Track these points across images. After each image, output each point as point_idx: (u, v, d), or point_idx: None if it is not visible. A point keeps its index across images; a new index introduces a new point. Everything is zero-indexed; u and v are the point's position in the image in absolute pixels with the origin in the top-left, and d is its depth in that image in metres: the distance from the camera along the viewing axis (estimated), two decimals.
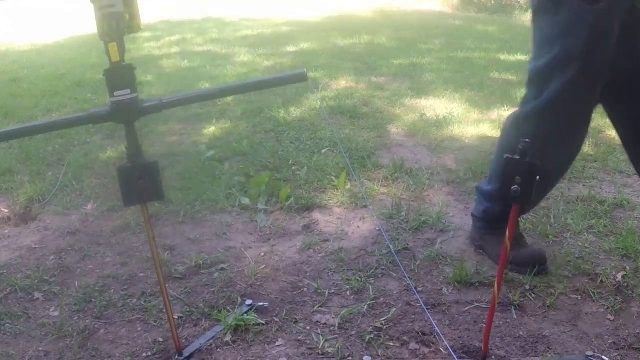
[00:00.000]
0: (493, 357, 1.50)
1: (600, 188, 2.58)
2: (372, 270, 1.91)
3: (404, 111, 3.82)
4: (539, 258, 1.87)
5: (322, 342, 1.55)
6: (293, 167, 2.80)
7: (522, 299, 1.74)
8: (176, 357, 1.49)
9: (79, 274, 1.94)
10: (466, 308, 1.71)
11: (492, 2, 11.67)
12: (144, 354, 1.53)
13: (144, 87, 4.30)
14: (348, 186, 2.56)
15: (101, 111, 1.30)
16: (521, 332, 1.60)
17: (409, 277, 1.86)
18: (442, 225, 2.21)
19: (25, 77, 5.04)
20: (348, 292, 1.80)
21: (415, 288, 1.81)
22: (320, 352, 1.51)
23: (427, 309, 1.70)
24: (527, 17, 10.32)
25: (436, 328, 1.60)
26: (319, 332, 1.60)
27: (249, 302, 1.72)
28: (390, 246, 2.04)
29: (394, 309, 1.70)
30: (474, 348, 1.53)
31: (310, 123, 3.52)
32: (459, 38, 7.28)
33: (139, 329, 1.64)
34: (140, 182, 1.30)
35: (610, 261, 1.96)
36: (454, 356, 1.48)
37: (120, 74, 1.26)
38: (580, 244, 2.08)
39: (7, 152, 3.12)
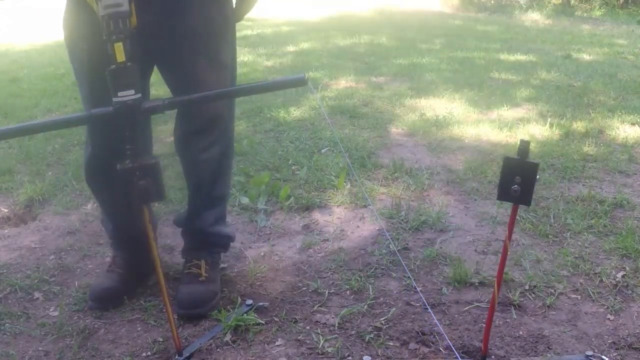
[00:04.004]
0: (493, 357, 1.50)
1: (600, 188, 2.58)
2: (372, 270, 1.91)
3: (404, 111, 3.82)
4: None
5: (322, 342, 1.55)
6: (293, 167, 2.80)
7: (522, 299, 1.74)
8: (176, 357, 1.48)
9: (79, 274, 1.94)
10: (466, 308, 1.71)
11: (492, 2, 11.69)
12: (144, 354, 1.53)
13: None
14: (348, 186, 2.56)
15: (104, 111, 1.29)
16: (521, 332, 1.60)
17: (410, 277, 1.86)
18: (442, 225, 2.21)
19: (25, 77, 5.04)
20: (348, 292, 1.80)
21: (416, 288, 1.81)
22: (320, 352, 1.51)
23: (427, 309, 1.70)
24: (527, 17, 10.33)
25: (440, 328, 1.60)
26: (319, 332, 1.60)
27: (249, 302, 1.71)
28: (393, 246, 2.04)
29: (394, 309, 1.70)
30: (474, 348, 1.53)
31: (310, 123, 3.52)
32: (459, 38, 7.28)
33: (139, 329, 1.64)
34: (141, 183, 1.29)
35: (610, 261, 1.96)
36: (457, 354, 1.48)
37: (124, 75, 1.25)
38: (580, 244, 2.08)
39: (7, 152, 3.12)
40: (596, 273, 1.88)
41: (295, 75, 1.30)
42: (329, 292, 1.79)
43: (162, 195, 1.34)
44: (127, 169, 1.29)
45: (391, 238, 2.12)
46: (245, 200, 2.43)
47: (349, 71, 5.06)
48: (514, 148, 1.35)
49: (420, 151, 3.06)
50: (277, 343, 1.56)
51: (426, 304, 1.71)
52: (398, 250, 2.03)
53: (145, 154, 1.33)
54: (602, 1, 12.12)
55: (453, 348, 1.50)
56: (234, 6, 1.60)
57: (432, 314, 1.66)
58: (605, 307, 1.71)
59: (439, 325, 1.62)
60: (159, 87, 1.92)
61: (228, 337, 1.57)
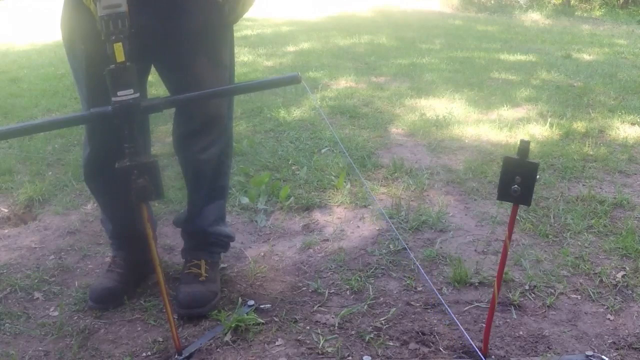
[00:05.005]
0: (493, 357, 1.50)
1: (600, 188, 2.58)
2: (372, 270, 1.91)
3: (404, 111, 3.82)
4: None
5: (322, 342, 1.55)
6: (293, 167, 2.80)
7: (522, 299, 1.74)
8: (176, 357, 1.48)
9: (79, 274, 1.94)
10: (466, 308, 1.71)
11: (492, 2, 11.69)
12: (144, 354, 1.53)
13: None
14: (348, 186, 2.56)
15: (103, 110, 1.29)
16: (521, 332, 1.60)
17: (409, 277, 1.86)
18: (442, 225, 2.21)
19: (25, 77, 5.04)
20: (348, 292, 1.80)
21: (415, 288, 1.81)
22: (320, 352, 1.51)
23: (426, 309, 1.70)
24: (527, 17, 10.33)
25: (461, 328, 1.60)
26: (319, 332, 1.60)
27: (250, 302, 1.71)
28: (401, 239, 2.04)
29: (394, 309, 1.70)
30: (474, 348, 1.53)
31: (310, 123, 3.52)
32: (459, 38, 7.28)
33: (139, 329, 1.64)
34: (139, 182, 1.29)
35: (610, 261, 1.96)
36: (477, 350, 1.48)
37: (124, 74, 1.26)
38: (580, 244, 2.08)
39: (7, 152, 3.12)
40: (596, 273, 1.88)
41: (289, 74, 1.33)
42: (329, 292, 1.79)
43: (161, 194, 1.34)
44: (125, 167, 1.30)
45: (391, 238, 2.12)
46: (245, 200, 2.43)
47: (349, 71, 5.06)
48: (514, 148, 1.35)
49: (420, 151, 3.06)
50: (277, 343, 1.56)
51: (440, 292, 1.71)
52: (398, 250, 2.03)
53: (143, 152, 1.33)
54: (602, 1, 12.12)
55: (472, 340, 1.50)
56: (230, 7, 1.60)
57: (450, 306, 1.66)
58: (605, 307, 1.71)
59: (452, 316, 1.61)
60: (158, 87, 1.92)
61: (228, 337, 1.57)
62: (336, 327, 1.62)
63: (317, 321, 1.65)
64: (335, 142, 3.12)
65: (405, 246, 2.03)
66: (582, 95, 4.22)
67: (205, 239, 1.83)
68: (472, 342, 1.50)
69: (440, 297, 1.73)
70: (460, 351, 1.52)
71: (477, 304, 1.72)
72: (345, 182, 2.59)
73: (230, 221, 2.26)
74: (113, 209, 1.80)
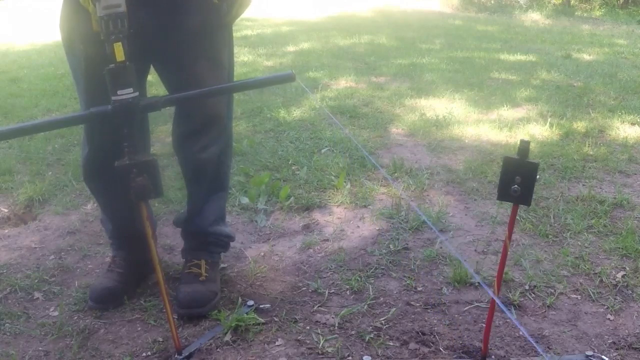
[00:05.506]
0: (493, 357, 1.50)
1: (600, 188, 2.58)
2: (372, 270, 1.91)
3: (404, 111, 3.82)
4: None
5: (322, 342, 1.55)
6: (293, 167, 2.80)
7: (522, 299, 1.74)
8: (176, 356, 1.48)
9: (79, 274, 1.94)
10: (466, 308, 1.71)
11: (492, 2, 11.69)
12: (144, 354, 1.53)
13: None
14: (348, 186, 2.56)
15: (103, 109, 1.30)
16: (521, 332, 1.60)
17: (409, 277, 1.86)
18: (442, 225, 2.21)
19: (25, 77, 5.04)
20: (348, 292, 1.80)
21: (415, 288, 1.81)
22: (320, 352, 1.51)
23: (426, 309, 1.70)
24: (527, 17, 10.32)
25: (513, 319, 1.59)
26: (319, 332, 1.60)
27: (250, 303, 1.71)
28: (431, 224, 2.04)
29: (394, 309, 1.70)
30: (474, 348, 1.53)
31: (310, 123, 3.52)
32: (459, 38, 7.29)
33: (139, 329, 1.64)
34: (138, 180, 1.29)
35: (610, 261, 1.96)
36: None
37: (123, 74, 1.26)
38: (580, 244, 2.08)
39: (7, 152, 3.12)
40: (596, 273, 1.88)
41: (284, 72, 1.33)
42: (329, 292, 1.79)
43: (160, 193, 1.34)
44: (124, 165, 1.30)
45: (391, 238, 2.12)
46: (245, 200, 2.43)
47: (349, 71, 5.06)
48: (514, 148, 1.35)
49: (420, 151, 3.06)
50: (277, 343, 1.56)
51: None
52: (398, 250, 2.03)
53: (142, 151, 1.33)
54: (602, 1, 12.12)
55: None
56: (227, 6, 1.60)
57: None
58: (605, 307, 1.71)
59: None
60: (158, 87, 1.92)
61: (228, 337, 1.57)
62: (336, 327, 1.62)
63: (317, 321, 1.65)
64: (335, 142, 3.12)
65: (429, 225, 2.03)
66: (582, 95, 4.22)
67: (205, 239, 1.83)
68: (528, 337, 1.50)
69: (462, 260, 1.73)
70: (460, 351, 1.52)
71: (477, 304, 1.72)
72: (345, 182, 2.59)
73: (230, 221, 2.26)
74: (113, 209, 1.80)
